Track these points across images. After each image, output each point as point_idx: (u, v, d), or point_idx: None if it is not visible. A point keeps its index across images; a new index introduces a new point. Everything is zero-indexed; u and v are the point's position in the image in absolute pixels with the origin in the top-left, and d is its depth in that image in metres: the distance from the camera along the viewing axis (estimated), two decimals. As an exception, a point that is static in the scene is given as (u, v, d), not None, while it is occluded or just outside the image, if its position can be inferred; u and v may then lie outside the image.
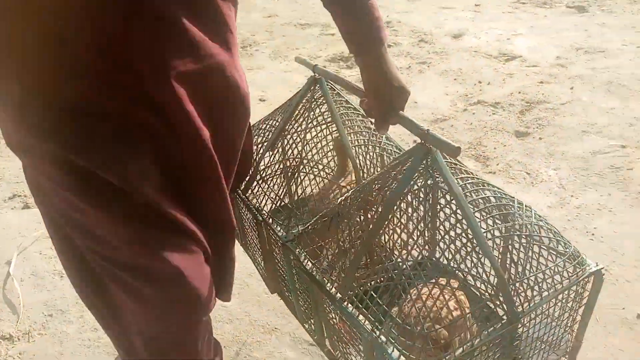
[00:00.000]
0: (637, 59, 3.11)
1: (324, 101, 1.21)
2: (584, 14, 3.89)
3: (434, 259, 1.15)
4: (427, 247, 1.16)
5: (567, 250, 0.90)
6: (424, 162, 0.90)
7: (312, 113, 1.21)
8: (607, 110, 2.66)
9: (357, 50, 0.93)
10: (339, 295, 0.94)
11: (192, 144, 0.81)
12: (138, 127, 0.77)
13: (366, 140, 1.19)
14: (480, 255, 0.87)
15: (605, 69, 3.04)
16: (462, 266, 0.88)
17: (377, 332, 0.86)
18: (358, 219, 0.99)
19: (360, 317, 0.90)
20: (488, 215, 0.89)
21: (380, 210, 0.93)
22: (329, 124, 1.21)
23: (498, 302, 0.88)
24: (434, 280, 0.90)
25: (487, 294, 1.02)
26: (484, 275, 0.93)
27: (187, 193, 0.84)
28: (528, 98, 2.81)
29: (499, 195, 0.91)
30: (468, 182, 0.91)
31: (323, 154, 1.25)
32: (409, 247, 0.93)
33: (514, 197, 0.92)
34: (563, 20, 3.82)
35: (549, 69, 3.11)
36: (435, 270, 0.94)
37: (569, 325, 0.97)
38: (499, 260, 0.94)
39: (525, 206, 0.92)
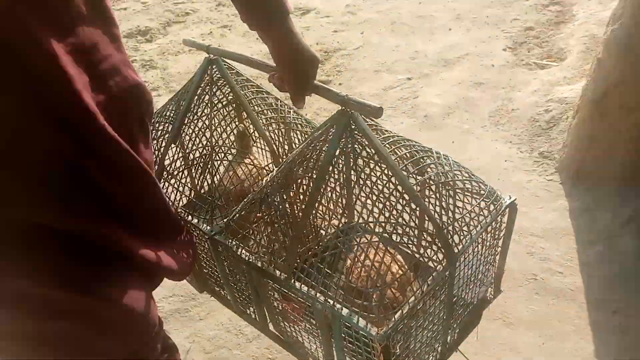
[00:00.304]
0: (413, -3, 3.48)
1: (224, 82, 1.15)
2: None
3: (369, 220, 1.18)
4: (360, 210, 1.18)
5: (484, 189, 0.98)
6: (348, 127, 0.90)
7: (214, 96, 1.15)
8: (393, 48, 2.98)
9: (265, 25, 0.89)
10: (284, 275, 0.92)
11: (120, 156, 0.74)
12: (62, 159, 0.68)
13: (276, 117, 1.17)
14: (414, 208, 0.90)
15: (389, 10, 3.36)
16: (400, 220, 0.91)
17: (332, 301, 0.86)
18: (289, 195, 0.97)
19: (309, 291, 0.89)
20: (414, 169, 0.93)
21: (312, 182, 0.92)
22: (234, 106, 1.16)
23: (435, 249, 0.93)
24: (375, 241, 0.92)
25: (413, 246, 1.07)
26: (416, 229, 0.97)
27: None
28: (325, 48, 3.04)
29: (419, 148, 0.96)
30: (389, 141, 0.94)
31: (234, 137, 1.20)
32: (347, 213, 0.93)
33: (431, 149, 0.97)
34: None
35: (341, 17, 3.35)
36: (369, 232, 0.96)
37: (492, 256, 1.06)
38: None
39: (443, 155, 0.97)
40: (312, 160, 0.93)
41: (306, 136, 1.12)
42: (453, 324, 1.02)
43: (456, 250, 0.90)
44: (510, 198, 0.99)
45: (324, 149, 0.91)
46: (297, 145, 1.20)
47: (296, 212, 0.98)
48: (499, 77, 2.59)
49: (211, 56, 1.16)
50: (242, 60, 1.06)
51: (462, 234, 0.93)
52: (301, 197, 0.95)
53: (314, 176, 0.91)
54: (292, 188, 0.95)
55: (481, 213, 0.95)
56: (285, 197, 0.97)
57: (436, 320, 0.94)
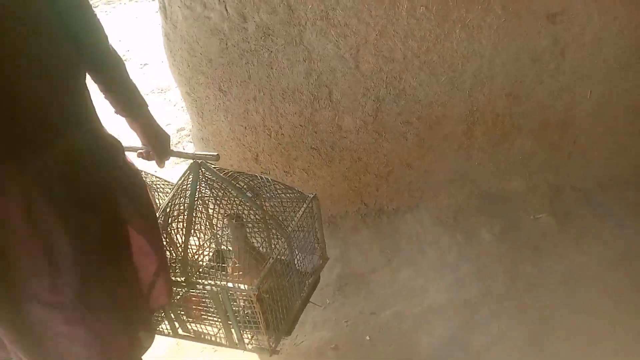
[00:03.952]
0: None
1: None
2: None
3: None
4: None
5: (295, 192, 1.55)
6: (200, 172, 1.40)
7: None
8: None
9: (134, 117, 1.33)
10: (183, 278, 1.36)
11: None
12: None
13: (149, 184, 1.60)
14: (256, 212, 1.43)
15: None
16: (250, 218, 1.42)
17: (221, 283, 1.32)
18: (172, 227, 1.41)
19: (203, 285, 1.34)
20: (252, 190, 1.46)
21: (186, 213, 1.39)
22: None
23: (277, 237, 1.45)
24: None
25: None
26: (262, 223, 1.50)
27: None
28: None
29: (249, 175, 1.49)
30: (229, 174, 1.46)
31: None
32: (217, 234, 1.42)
33: (256, 174, 1.52)
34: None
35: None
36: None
37: (314, 235, 1.62)
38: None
39: (265, 176, 1.52)
40: (183, 197, 1.40)
41: (170, 187, 1.58)
42: (303, 284, 1.54)
43: (288, 230, 1.44)
44: (312, 194, 1.58)
45: (188, 189, 1.40)
46: (160, 199, 1.65)
47: (180, 238, 1.43)
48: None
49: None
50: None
51: (288, 219, 1.48)
52: (181, 224, 1.41)
53: (186, 209, 1.38)
54: (173, 222, 1.40)
55: (296, 206, 1.51)
56: (169, 230, 1.41)
57: (288, 279, 1.45)
